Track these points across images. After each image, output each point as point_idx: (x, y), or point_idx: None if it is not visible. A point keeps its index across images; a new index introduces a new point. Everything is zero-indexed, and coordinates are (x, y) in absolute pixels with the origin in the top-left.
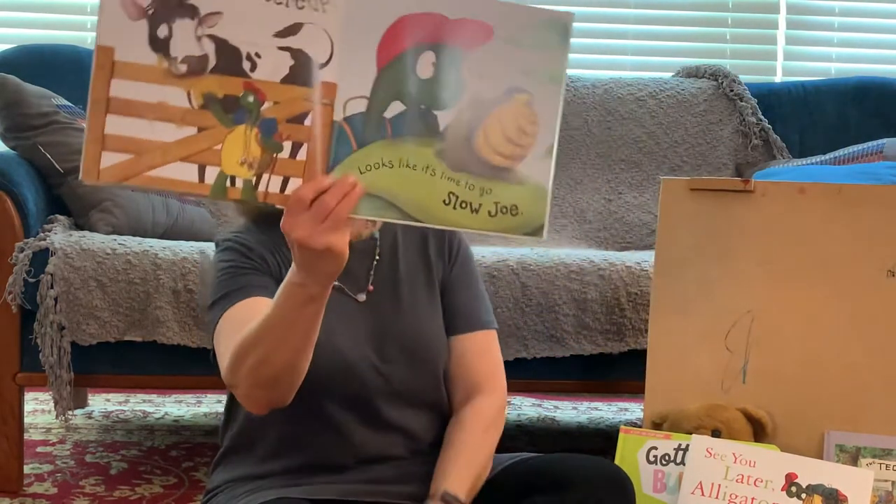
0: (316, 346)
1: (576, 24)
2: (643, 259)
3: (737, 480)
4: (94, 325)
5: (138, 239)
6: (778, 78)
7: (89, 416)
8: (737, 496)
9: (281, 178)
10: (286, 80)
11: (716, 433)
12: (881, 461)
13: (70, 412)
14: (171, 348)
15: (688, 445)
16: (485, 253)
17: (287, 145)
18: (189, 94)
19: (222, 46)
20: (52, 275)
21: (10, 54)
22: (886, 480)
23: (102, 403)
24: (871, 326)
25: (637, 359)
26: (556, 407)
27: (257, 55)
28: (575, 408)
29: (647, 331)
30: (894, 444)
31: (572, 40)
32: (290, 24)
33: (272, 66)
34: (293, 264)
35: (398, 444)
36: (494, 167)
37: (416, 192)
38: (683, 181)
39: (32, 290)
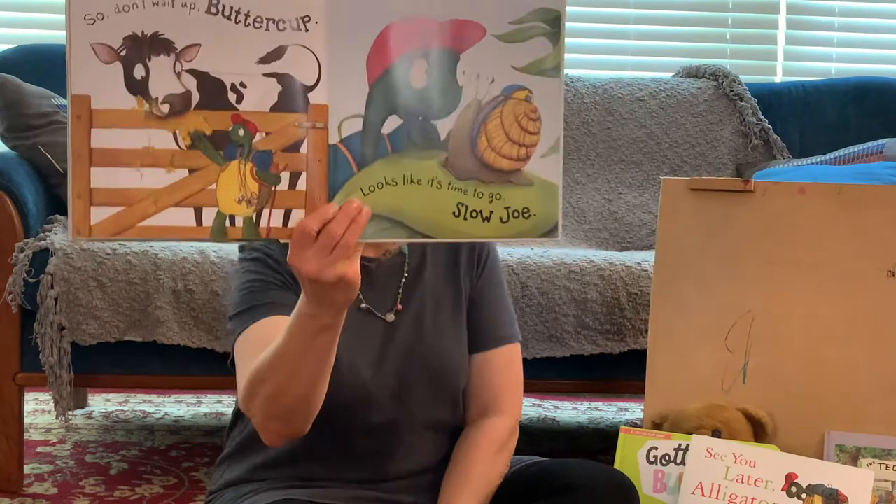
0: (337, 372)
1: (576, 24)
2: (643, 259)
3: (737, 480)
4: (94, 325)
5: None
6: (778, 78)
7: (89, 416)
8: (737, 496)
9: (282, 211)
10: (276, 108)
11: (716, 433)
12: (881, 461)
13: (70, 412)
14: (171, 348)
15: (688, 445)
16: None
17: (285, 176)
18: (175, 135)
19: (204, 80)
20: (52, 275)
21: (10, 54)
22: (886, 480)
23: (102, 403)
24: (871, 326)
25: (637, 359)
26: (556, 407)
27: (242, 85)
28: (575, 408)
29: (647, 331)
30: (894, 444)
31: (572, 40)
32: (273, 48)
33: (259, 95)
34: (303, 295)
35: (410, 462)
36: (501, 171)
37: (424, 207)
38: (683, 181)
39: (32, 290)
